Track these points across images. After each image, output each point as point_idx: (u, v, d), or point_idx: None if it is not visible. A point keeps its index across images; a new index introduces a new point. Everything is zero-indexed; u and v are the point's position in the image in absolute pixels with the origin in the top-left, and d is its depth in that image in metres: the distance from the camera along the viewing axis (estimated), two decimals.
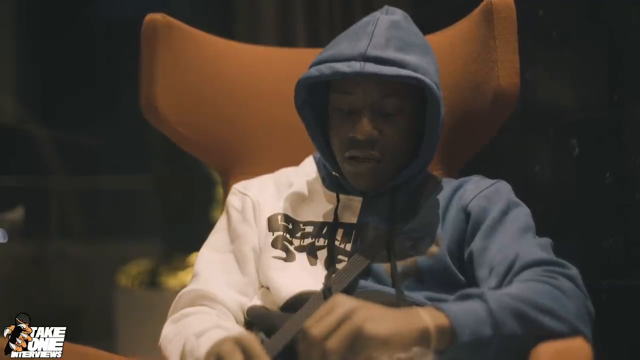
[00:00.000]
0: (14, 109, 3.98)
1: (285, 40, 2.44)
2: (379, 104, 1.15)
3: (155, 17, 1.44)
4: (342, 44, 1.17)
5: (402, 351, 0.84)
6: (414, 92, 1.17)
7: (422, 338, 0.85)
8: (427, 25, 1.56)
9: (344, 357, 0.82)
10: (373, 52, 1.12)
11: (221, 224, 1.30)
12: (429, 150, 1.18)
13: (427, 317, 0.86)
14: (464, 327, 0.86)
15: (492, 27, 1.32)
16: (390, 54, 1.13)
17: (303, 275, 1.15)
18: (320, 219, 1.22)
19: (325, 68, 1.14)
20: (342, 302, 0.85)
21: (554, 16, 1.86)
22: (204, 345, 1.01)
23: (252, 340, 0.91)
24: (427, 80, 1.12)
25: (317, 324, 0.84)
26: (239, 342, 0.91)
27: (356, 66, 1.12)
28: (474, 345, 0.86)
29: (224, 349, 0.91)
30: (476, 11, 1.38)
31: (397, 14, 1.22)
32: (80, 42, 4.00)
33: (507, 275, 1.01)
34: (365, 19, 1.21)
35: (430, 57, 1.19)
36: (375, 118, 1.15)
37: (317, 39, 2.36)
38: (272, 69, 1.56)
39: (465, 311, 0.87)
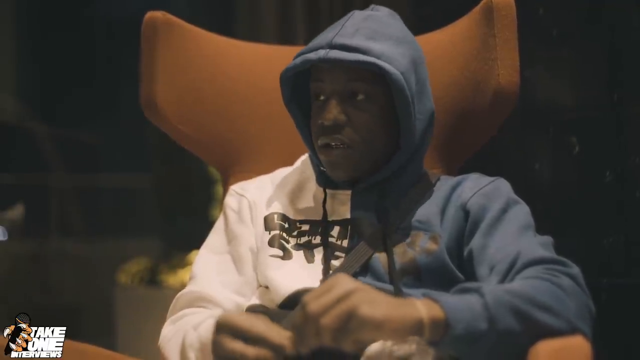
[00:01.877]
0: (14, 107, 3.99)
1: (286, 40, 2.44)
2: (345, 89, 1.16)
3: (156, 15, 1.44)
4: (319, 37, 1.20)
5: (395, 339, 0.85)
6: (387, 80, 1.16)
7: (416, 328, 0.86)
8: (427, 23, 1.56)
9: (336, 335, 0.83)
10: (339, 40, 1.15)
11: (219, 225, 1.30)
12: (409, 140, 1.18)
13: (423, 308, 0.87)
14: (459, 320, 0.86)
15: (492, 25, 1.32)
16: (356, 41, 1.14)
17: (301, 273, 1.15)
18: (315, 217, 1.22)
19: (298, 60, 1.18)
20: (342, 282, 0.87)
21: (554, 15, 1.86)
22: (205, 329, 1.04)
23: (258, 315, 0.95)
24: (386, 66, 1.12)
25: (316, 300, 0.85)
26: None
27: (321, 53, 1.15)
28: (469, 339, 0.86)
29: (233, 315, 0.93)
30: (476, 9, 1.38)
31: (382, 11, 1.23)
32: (80, 41, 4.00)
33: (509, 273, 1.01)
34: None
35: (405, 48, 1.18)
36: (343, 103, 1.16)
37: None
38: (272, 67, 1.56)
39: (461, 304, 0.88)
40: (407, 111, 1.15)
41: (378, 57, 1.13)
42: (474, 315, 0.87)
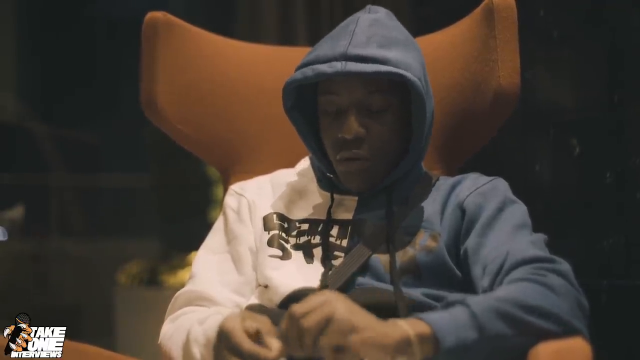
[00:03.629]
0: (14, 106, 3.99)
1: (286, 40, 2.44)
2: (364, 102, 1.15)
3: (156, 15, 1.44)
4: (325, 45, 1.17)
5: (383, 357, 0.85)
6: (400, 88, 1.17)
7: (404, 345, 0.86)
8: (428, 24, 1.56)
9: (317, 338, 0.85)
10: (354, 50, 1.13)
11: (218, 225, 1.30)
12: (419, 146, 1.18)
13: (407, 326, 0.87)
14: (447, 332, 0.86)
15: (492, 26, 1.32)
16: (371, 51, 1.12)
17: (300, 273, 1.15)
18: (315, 217, 1.22)
19: (308, 70, 1.15)
20: (328, 293, 0.90)
21: (555, 16, 1.86)
22: (210, 326, 1.04)
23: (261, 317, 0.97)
24: (408, 74, 1.12)
25: (300, 305, 0.88)
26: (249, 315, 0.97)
27: (337, 66, 1.12)
28: (460, 349, 0.86)
29: (232, 326, 0.94)
30: (477, 10, 1.38)
31: (380, 12, 1.22)
32: (81, 41, 4.01)
33: (499, 274, 1.01)
34: (347, 20, 1.21)
35: (413, 52, 1.18)
36: (362, 116, 1.15)
37: (318, 39, 2.35)
38: (272, 67, 1.56)
39: (447, 317, 0.88)
40: (423, 117, 1.16)
41: (396, 66, 1.12)
42: (462, 326, 0.87)
